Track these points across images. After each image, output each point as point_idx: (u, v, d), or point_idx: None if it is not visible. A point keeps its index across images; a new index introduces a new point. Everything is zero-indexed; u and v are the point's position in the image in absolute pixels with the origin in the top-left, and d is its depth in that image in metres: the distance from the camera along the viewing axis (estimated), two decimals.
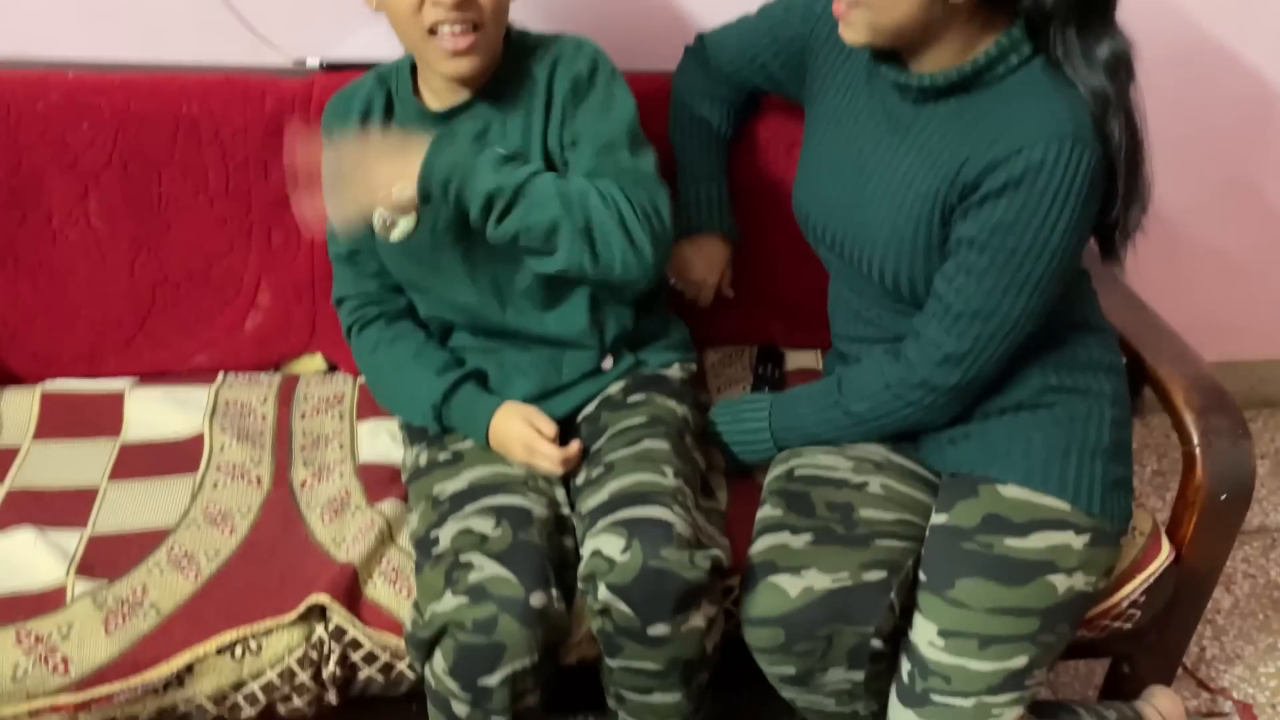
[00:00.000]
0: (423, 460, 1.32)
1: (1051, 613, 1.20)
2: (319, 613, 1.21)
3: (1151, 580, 1.32)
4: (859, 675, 1.20)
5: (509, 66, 1.25)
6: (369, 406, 1.48)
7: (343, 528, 1.31)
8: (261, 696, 1.20)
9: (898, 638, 1.24)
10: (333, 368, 1.60)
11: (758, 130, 1.56)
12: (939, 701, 1.20)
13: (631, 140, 1.25)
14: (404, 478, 1.36)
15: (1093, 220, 1.17)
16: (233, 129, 1.45)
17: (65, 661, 1.14)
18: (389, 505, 1.33)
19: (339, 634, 1.20)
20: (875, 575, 1.19)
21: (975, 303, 1.17)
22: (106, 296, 1.51)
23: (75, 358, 1.53)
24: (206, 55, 1.51)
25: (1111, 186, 1.15)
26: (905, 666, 1.23)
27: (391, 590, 1.24)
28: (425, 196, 1.17)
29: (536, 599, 1.12)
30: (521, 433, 1.25)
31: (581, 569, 1.15)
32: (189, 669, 1.17)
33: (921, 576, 1.24)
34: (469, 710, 1.14)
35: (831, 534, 1.22)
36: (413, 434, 1.38)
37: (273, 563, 1.26)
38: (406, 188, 1.16)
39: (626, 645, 1.16)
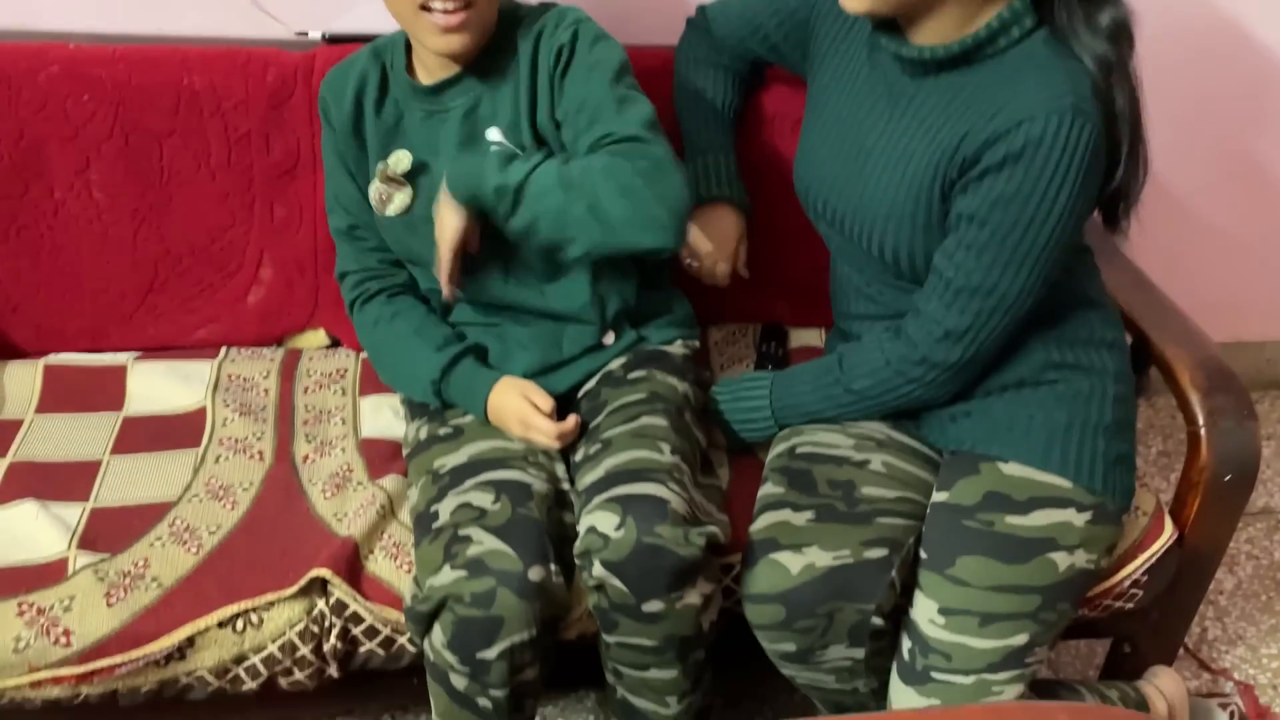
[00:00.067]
0: (423, 435, 1.32)
1: (1052, 590, 1.20)
2: (320, 587, 1.21)
3: (1153, 560, 1.32)
4: (859, 653, 1.20)
5: (499, 40, 1.25)
6: (371, 382, 1.48)
7: (344, 502, 1.31)
8: (263, 669, 1.21)
9: (898, 615, 1.24)
10: (335, 343, 1.60)
11: (763, 106, 1.55)
12: (939, 679, 1.20)
13: (619, 97, 1.22)
14: (405, 453, 1.36)
15: (1094, 194, 1.16)
16: (234, 101, 1.44)
17: (67, 634, 1.14)
18: (390, 481, 1.33)
19: (340, 608, 1.21)
20: (876, 553, 1.19)
21: (975, 278, 1.17)
22: (109, 270, 1.51)
23: (78, 331, 1.53)
24: (208, 27, 1.51)
25: (1114, 156, 1.14)
26: (906, 644, 1.23)
27: (392, 565, 1.24)
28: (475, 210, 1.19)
29: (535, 573, 1.12)
30: (518, 407, 1.25)
31: (577, 545, 1.15)
32: (190, 642, 1.17)
33: (922, 554, 1.23)
34: (467, 683, 1.15)
35: (833, 511, 1.22)
36: (414, 409, 1.37)
37: (274, 537, 1.26)
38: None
39: (622, 621, 1.16)
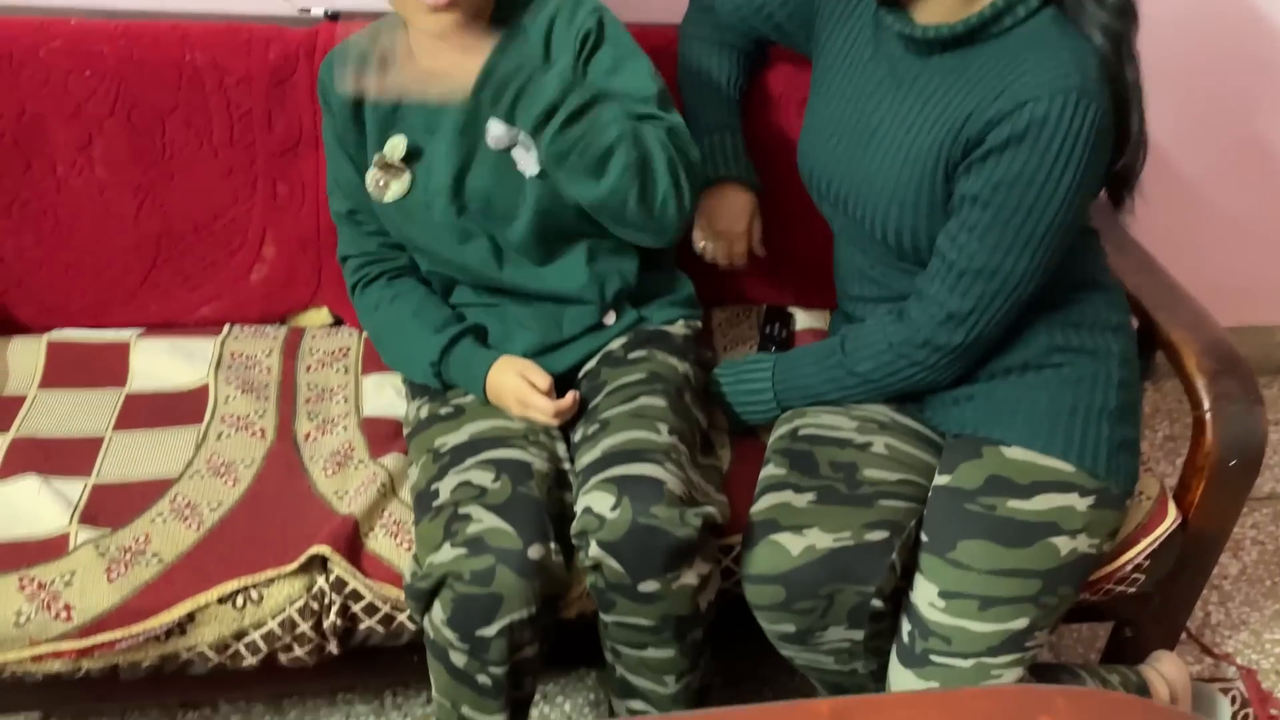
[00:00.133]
0: (424, 414, 1.32)
1: (1053, 575, 1.19)
2: (320, 564, 1.22)
3: (1156, 545, 1.31)
4: (859, 634, 1.20)
5: (500, 22, 1.22)
6: (374, 361, 1.47)
7: (345, 480, 1.31)
8: (263, 646, 1.21)
9: (898, 598, 1.23)
10: (338, 321, 1.60)
11: (769, 86, 1.53)
12: (938, 662, 1.20)
13: (660, 91, 1.23)
14: (406, 432, 1.36)
15: (1100, 176, 1.15)
16: (237, 78, 1.44)
17: (68, 608, 1.15)
18: (391, 459, 1.33)
19: (340, 585, 1.21)
20: (877, 535, 1.19)
21: (978, 261, 1.16)
22: (112, 246, 1.51)
23: (82, 308, 1.53)
24: (210, 3, 1.50)
25: (1120, 137, 1.13)
26: (905, 627, 1.23)
27: (392, 543, 1.24)
28: (478, 89, 1.13)
29: (534, 551, 1.12)
30: (515, 386, 1.25)
31: (574, 525, 1.15)
32: (190, 618, 1.18)
33: (923, 537, 1.23)
34: (467, 660, 1.15)
35: (834, 493, 1.21)
36: (415, 388, 1.37)
37: (275, 514, 1.26)
38: (456, 87, 1.14)
39: (619, 601, 1.16)
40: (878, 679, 1.26)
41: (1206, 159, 1.89)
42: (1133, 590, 1.36)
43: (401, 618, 1.23)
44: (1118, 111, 1.14)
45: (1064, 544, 1.19)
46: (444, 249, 1.30)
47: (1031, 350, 1.25)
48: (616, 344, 1.35)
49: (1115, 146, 1.15)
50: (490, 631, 1.12)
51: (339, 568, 1.20)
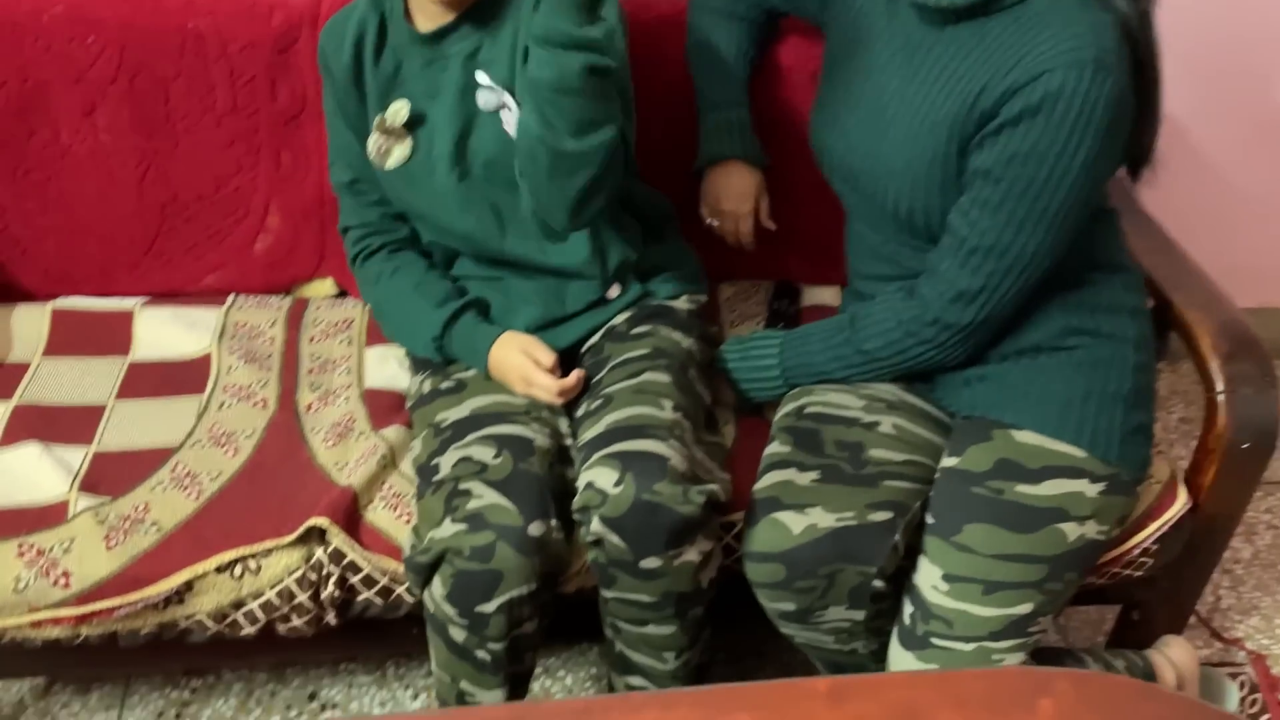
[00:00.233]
0: (426, 388, 1.31)
1: (1060, 560, 1.18)
2: (318, 535, 1.21)
3: (1165, 529, 1.29)
4: (859, 615, 1.19)
5: None
6: (377, 332, 1.47)
7: (346, 452, 1.31)
8: (261, 615, 1.21)
9: (900, 578, 1.22)
10: (343, 293, 1.59)
11: (779, 58, 1.51)
12: (939, 645, 1.18)
13: (624, 86, 1.21)
14: (408, 405, 1.35)
15: (1117, 152, 1.12)
16: (240, 45, 1.42)
17: (66, 575, 1.15)
18: (393, 431, 1.33)
19: (338, 556, 1.21)
20: (881, 516, 1.17)
21: (990, 238, 1.13)
22: (116, 214, 1.50)
23: (87, 276, 1.53)
24: None
25: (1140, 108, 1.10)
26: (907, 609, 1.21)
27: (392, 515, 1.24)
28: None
29: (535, 528, 1.11)
30: (519, 363, 1.23)
31: (576, 501, 1.15)
32: (189, 586, 1.18)
33: (929, 519, 1.21)
34: (466, 636, 1.15)
35: (839, 473, 1.20)
36: (418, 362, 1.37)
37: (274, 485, 1.26)
38: None
39: (620, 577, 1.15)
40: (878, 659, 1.25)
41: (1228, 138, 1.86)
42: (1139, 574, 1.34)
43: (400, 590, 1.23)
44: (1137, 85, 1.11)
45: (1072, 530, 1.18)
46: (446, 217, 1.29)
47: (1045, 332, 1.23)
48: (620, 319, 1.34)
49: (1134, 121, 1.12)
50: (490, 607, 1.12)
51: (337, 539, 1.20)
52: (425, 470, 1.20)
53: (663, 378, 1.23)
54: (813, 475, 1.19)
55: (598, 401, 1.22)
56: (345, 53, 1.26)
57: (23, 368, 1.42)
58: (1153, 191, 1.24)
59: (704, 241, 1.48)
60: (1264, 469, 1.31)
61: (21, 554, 1.16)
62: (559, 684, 1.55)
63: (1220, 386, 1.27)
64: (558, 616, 1.25)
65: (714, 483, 1.16)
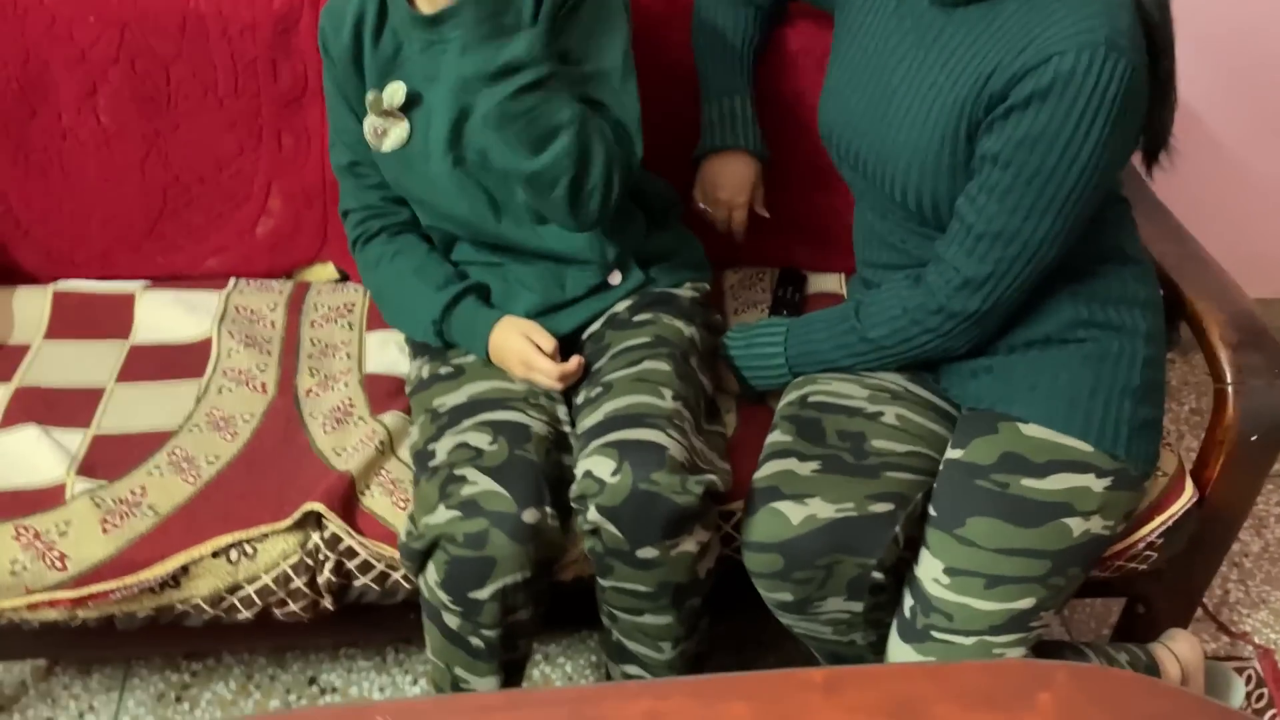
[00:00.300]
0: (425, 373, 1.30)
1: (1063, 556, 1.16)
2: (315, 520, 1.21)
3: (1170, 523, 1.28)
4: (857, 606, 1.18)
5: None
6: (378, 317, 1.45)
7: (344, 437, 1.30)
8: (257, 600, 1.21)
9: (901, 570, 1.21)
10: (344, 277, 1.59)
11: (787, 42, 1.49)
12: (939, 638, 1.17)
13: (624, 74, 1.20)
14: (407, 390, 1.34)
15: (1130, 138, 1.10)
16: (241, 26, 1.41)
17: (62, 558, 1.15)
18: (391, 417, 1.32)
19: (334, 542, 1.20)
20: (881, 507, 1.16)
21: (997, 224, 1.12)
22: (118, 196, 1.50)
23: (88, 258, 1.53)
24: None
25: (1155, 92, 1.08)
26: (908, 602, 1.20)
27: (388, 501, 1.23)
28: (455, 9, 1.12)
29: (529, 515, 1.10)
30: (519, 348, 1.22)
31: (573, 489, 1.14)
32: (185, 570, 1.18)
33: (931, 511, 1.20)
34: (460, 622, 1.14)
35: (840, 463, 1.18)
36: (417, 347, 1.36)
37: (271, 469, 1.26)
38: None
39: (616, 566, 1.15)
40: (877, 651, 1.24)
41: (1244, 126, 1.83)
42: (1144, 567, 1.33)
43: (396, 576, 1.23)
44: (1152, 70, 1.08)
45: (1077, 525, 1.16)
46: (442, 201, 1.28)
47: (1054, 324, 1.21)
48: (622, 306, 1.32)
49: (1149, 105, 1.10)
50: (483, 594, 1.11)
51: (333, 525, 1.20)
52: (421, 456, 1.20)
53: (663, 366, 1.22)
54: (813, 465, 1.18)
55: (597, 389, 1.21)
56: (345, 34, 1.25)
57: (23, 350, 1.41)
58: (1166, 179, 1.22)
59: (709, 228, 1.46)
60: (1273, 462, 1.29)
61: (18, 536, 1.16)
62: (559, 671, 1.55)
63: (1229, 377, 1.25)
64: (558, 603, 1.24)
65: (713, 473, 1.15)
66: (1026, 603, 1.16)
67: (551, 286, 1.31)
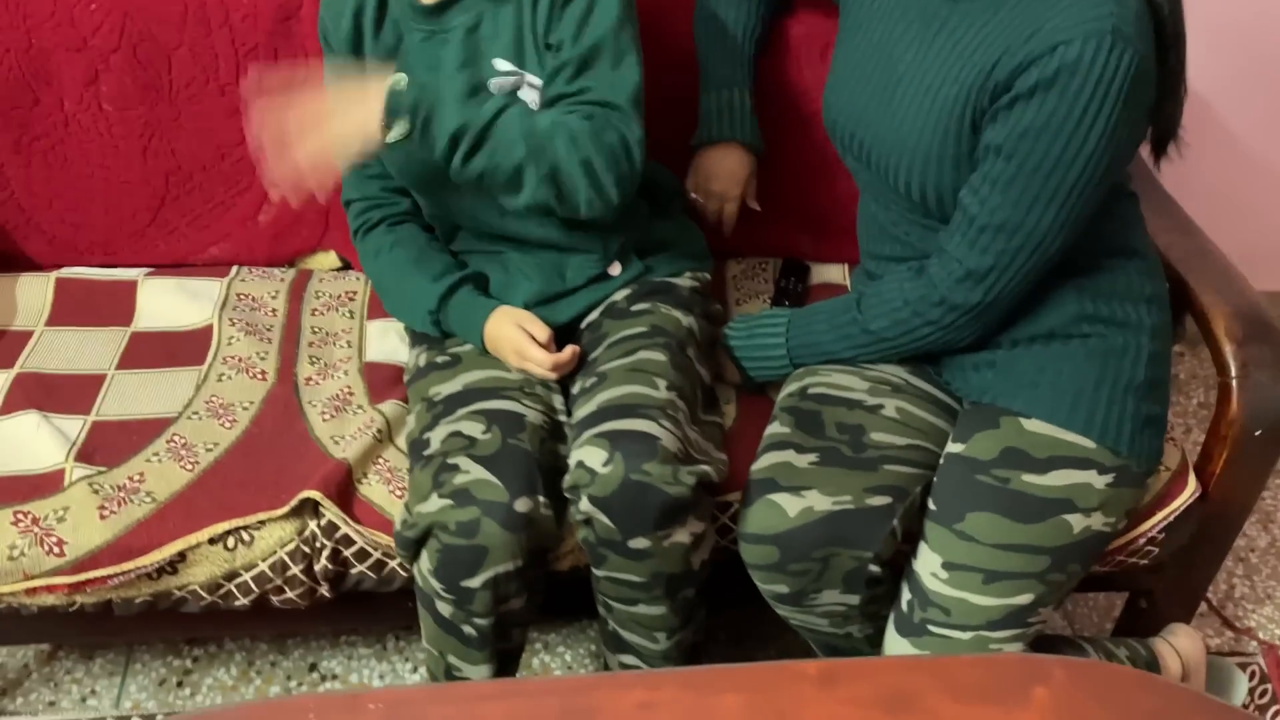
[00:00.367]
0: (422, 362, 1.30)
1: (1063, 552, 1.15)
2: (312, 508, 1.21)
3: (1172, 518, 1.27)
4: (854, 599, 1.17)
5: None
6: (380, 306, 1.46)
7: (342, 425, 1.30)
8: (254, 587, 1.21)
9: (899, 563, 1.20)
10: (346, 265, 1.59)
11: (789, 31, 1.48)
12: (936, 633, 1.16)
13: (618, 50, 1.17)
14: (405, 379, 1.34)
15: (1136, 129, 1.09)
16: (242, 14, 1.41)
17: (60, 544, 1.16)
18: (389, 406, 1.32)
19: (331, 530, 1.20)
20: (879, 500, 1.15)
21: (1000, 215, 1.10)
22: (120, 184, 1.50)
23: (91, 245, 1.53)
24: None
25: (1163, 82, 1.07)
26: (905, 596, 1.19)
27: (385, 489, 1.23)
28: (389, 113, 1.11)
29: (521, 504, 1.10)
30: (513, 337, 1.22)
31: (566, 479, 1.14)
32: (182, 557, 1.18)
33: (931, 505, 1.19)
34: (453, 611, 1.14)
35: (838, 455, 1.18)
36: (416, 335, 1.36)
37: (269, 457, 1.26)
38: (373, 130, 1.10)
39: (609, 557, 1.14)
40: (874, 644, 1.23)
41: (1253, 117, 1.81)
42: (1145, 563, 1.31)
43: (393, 564, 1.23)
44: (1161, 59, 1.07)
45: (1077, 521, 1.15)
46: (444, 192, 1.28)
47: (1058, 318, 1.20)
48: (620, 295, 1.32)
49: (1157, 96, 1.09)
50: (475, 583, 1.11)
51: (330, 512, 1.20)
52: (416, 445, 1.20)
53: (659, 356, 1.21)
54: (811, 457, 1.18)
55: (592, 379, 1.21)
56: (345, 24, 1.25)
57: (26, 335, 1.42)
58: (1175, 169, 1.21)
59: (703, 218, 1.46)
60: (1278, 457, 1.28)
61: (16, 522, 1.16)
62: (558, 659, 1.55)
63: (1234, 371, 1.24)
64: (556, 592, 1.24)
65: (707, 463, 1.15)
66: (1025, 598, 1.15)
67: (552, 276, 1.30)
